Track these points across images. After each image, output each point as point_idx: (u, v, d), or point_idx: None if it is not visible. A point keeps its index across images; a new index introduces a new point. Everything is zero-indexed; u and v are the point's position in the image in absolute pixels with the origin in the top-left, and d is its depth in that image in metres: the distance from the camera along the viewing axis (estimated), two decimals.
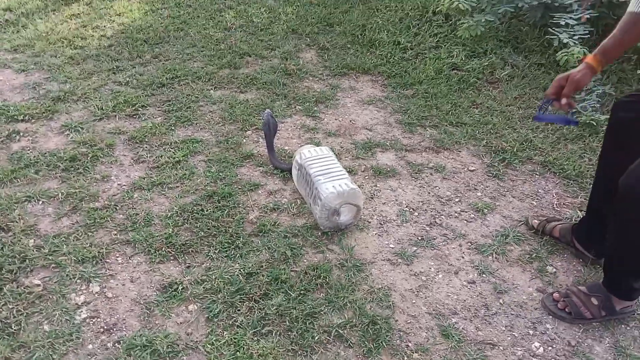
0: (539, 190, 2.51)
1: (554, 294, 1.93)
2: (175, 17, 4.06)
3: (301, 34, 3.90)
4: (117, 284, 1.91)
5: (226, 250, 2.06)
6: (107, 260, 2.00)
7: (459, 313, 1.89)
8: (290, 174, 2.43)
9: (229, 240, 2.10)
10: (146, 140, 2.66)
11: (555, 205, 2.41)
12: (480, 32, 3.55)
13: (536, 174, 2.61)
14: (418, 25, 3.91)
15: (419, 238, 2.20)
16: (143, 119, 2.85)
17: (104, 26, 3.86)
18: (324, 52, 3.67)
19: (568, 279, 2.05)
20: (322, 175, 2.15)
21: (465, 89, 3.29)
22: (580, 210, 2.35)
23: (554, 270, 2.08)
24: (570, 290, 1.92)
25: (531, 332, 1.84)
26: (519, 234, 2.23)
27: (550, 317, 1.89)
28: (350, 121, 2.95)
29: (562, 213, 2.35)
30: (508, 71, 3.43)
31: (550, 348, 1.78)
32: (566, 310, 1.88)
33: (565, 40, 3.12)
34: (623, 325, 1.87)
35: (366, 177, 2.52)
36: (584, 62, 1.77)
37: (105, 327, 1.75)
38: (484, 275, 2.04)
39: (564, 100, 1.79)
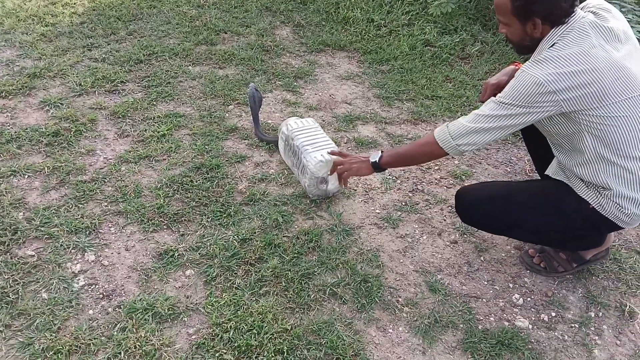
0: (512, 158, 2.65)
1: (529, 250, 2.07)
2: None
3: (275, 11, 3.92)
4: (112, 253, 1.94)
5: (218, 219, 2.11)
6: (100, 231, 2.02)
7: (444, 270, 2.00)
8: (276, 146, 2.48)
9: (221, 209, 2.15)
10: (128, 115, 2.66)
11: (527, 171, 2.55)
12: (450, 9, 3.67)
13: (508, 143, 2.75)
14: (390, 3, 3.99)
15: (403, 203, 2.30)
16: (123, 94, 2.84)
17: (74, 3, 3.78)
18: (299, 29, 3.71)
19: None
20: (310, 145, 2.22)
21: (439, 64, 3.40)
22: None
23: None
24: (543, 246, 2.06)
25: (511, 285, 1.97)
26: None
27: (528, 271, 2.03)
28: (330, 95, 3.02)
29: (534, 177, 2.49)
30: (478, 47, 3.56)
31: (529, 299, 1.92)
32: (541, 264, 2.02)
33: None
34: (594, 277, 2.03)
35: (349, 149, 2.60)
36: (513, 65, 1.94)
37: (104, 294, 1.79)
38: (465, 236, 2.16)
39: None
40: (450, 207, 2.30)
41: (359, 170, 1.99)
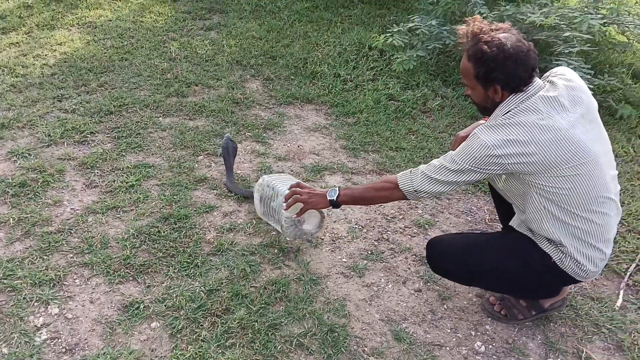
0: (472, 207, 2.75)
1: (490, 298, 2.13)
2: (118, 47, 4.09)
3: (245, 65, 4.05)
4: (76, 305, 1.92)
5: (185, 269, 2.12)
6: (65, 283, 2.00)
7: (409, 318, 2.04)
8: (245, 197, 2.52)
9: (188, 260, 2.16)
10: (97, 165, 2.68)
11: (487, 220, 2.66)
12: (412, 66, 3.85)
13: (469, 193, 2.86)
14: (356, 59, 4.18)
15: (369, 252, 2.35)
16: (92, 145, 2.86)
17: (46, 55, 3.83)
18: (268, 83, 3.83)
19: None
20: (282, 184, 2.23)
21: (402, 117, 3.55)
22: None
23: None
24: (504, 294, 2.13)
25: (473, 333, 2.02)
26: None
27: (489, 319, 2.08)
28: (298, 146, 3.11)
29: (494, 227, 2.60)
30: (439, 102, 3.73)
31: (490, 346, 1.97)
32: (502, 312, 2.08)
33: None
34: (552, 324, 2.09)
35: None
36: (483, 120, 2.06)
37: (67, 348, 1.76)
38: (429, 284, 2.22)
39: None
40: (414, 256, 2.36)
41: (317, 205, 2.05)
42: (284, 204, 2.08)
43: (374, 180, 2.87)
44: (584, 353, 1.96)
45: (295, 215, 2.12)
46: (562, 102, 1.70)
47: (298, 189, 2.06)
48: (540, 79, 1.77)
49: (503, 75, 1.69)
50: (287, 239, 2.28)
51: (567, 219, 1.73)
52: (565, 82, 1.76)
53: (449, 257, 1.95)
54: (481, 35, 1.71)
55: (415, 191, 1.83)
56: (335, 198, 1.99)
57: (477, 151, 1.68)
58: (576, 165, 1.67)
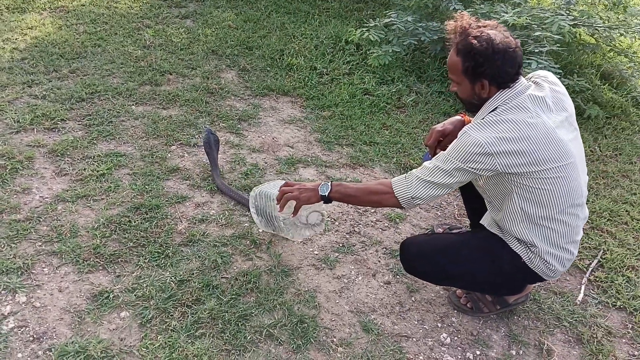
0: (442, 203, 2.81)
1: (457, 291, 2.19)
2: (91, 33, 4.01)
3: (221, 55, 4.02)
4: (44, 294, 1.90)
5: (156, 260, 2.11)
6: (33, 271, 1.98)
7: (377, 310, 2.08)
8: (238, 203, 2.50)
9: (159, 250, 2.16)
10: (67, 153, 2.64)
11: (456, 215, 2.71)
12: (387, 61, 3.88)
13: None
14: (332, 52, 4.19)
15: (340, 245, 2.39)
16: (63, 132, 2.81)
17: (16, 39, 3.74)
18: (244, 73, 3.82)
19: None
20: (275, 190, 2.13)
21: (377, 112, 3.58)
22: None
23: None
24: None
25: (439, 324, 2.07)
26: None
27: (456, 311, 2.14)
28: (273, 139, 3.11)
29: (463, 222, 2.65)
30: (413, 97, 3.78)
31: (456, 338, 2.02)
32: (468, 305, 2.14)
33: None
34: (515, 317, 2.16)
35: None
36: (459, 115, 2.11)
37: (34, 336, 1.75)
38: (398, 277, 2.26)
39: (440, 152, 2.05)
40: (385, 249, 2.40)
41: (309, 199, 1.95)
42: (277, 206, 2.02)
43: (347, 173, 2.90)
44: (545, 345, 2.03)
45: (292, 215, 2.03)
46: (548, 103, 1.75)
47: (287, 187, 1.98)
48: (524, 77, 1.81)
49: (491, 70, 1.70)
50: (294, 240, 2.28)
51: (543, 221, 1.78)
52: (549, 84, 1.81)
53: (424, 258, 1.98)
54: (470, 30, 1.73)
55: (412, 197, 1.79)
56: (327, 194, 1.91)
57: (470, 149, 1.68)
58: (560, 166, 1.71)
